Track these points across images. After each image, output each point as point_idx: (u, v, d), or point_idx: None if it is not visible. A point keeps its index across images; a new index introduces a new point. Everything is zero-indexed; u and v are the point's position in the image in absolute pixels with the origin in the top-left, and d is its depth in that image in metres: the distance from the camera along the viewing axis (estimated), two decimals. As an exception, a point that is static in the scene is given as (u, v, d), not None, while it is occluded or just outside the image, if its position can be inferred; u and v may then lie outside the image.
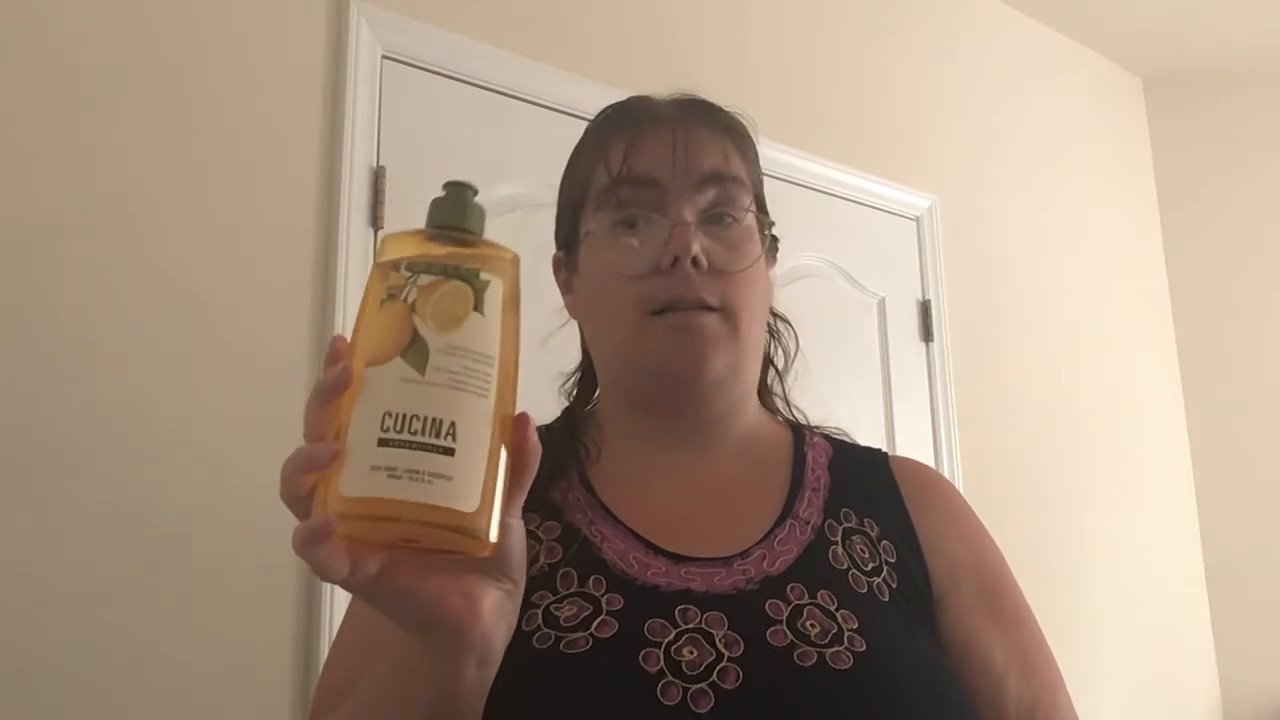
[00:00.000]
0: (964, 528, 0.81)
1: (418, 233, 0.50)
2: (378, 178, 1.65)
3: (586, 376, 0.88)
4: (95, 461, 1.34)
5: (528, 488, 0.50)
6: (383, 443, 0.45)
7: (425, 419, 0.45)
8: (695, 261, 0.73)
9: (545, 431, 0.83)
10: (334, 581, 0.46)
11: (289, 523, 0.46)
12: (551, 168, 0.86)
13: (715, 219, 0.77)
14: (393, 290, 0.48)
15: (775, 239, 0.83)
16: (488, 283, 0.49)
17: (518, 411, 0.49)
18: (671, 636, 0.66)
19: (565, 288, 0.85)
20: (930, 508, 0.81)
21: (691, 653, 0.64)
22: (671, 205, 0.75)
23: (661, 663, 0.64)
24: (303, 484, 0.46)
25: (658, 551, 0.72)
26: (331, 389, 0.46)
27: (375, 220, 1.63)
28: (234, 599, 1.39)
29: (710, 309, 0.74)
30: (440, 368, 0.46)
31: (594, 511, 0.76)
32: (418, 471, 0.45)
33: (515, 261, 0.51)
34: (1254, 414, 3.09)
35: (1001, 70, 2.89)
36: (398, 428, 0.45)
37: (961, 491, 0.87)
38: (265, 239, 1.53)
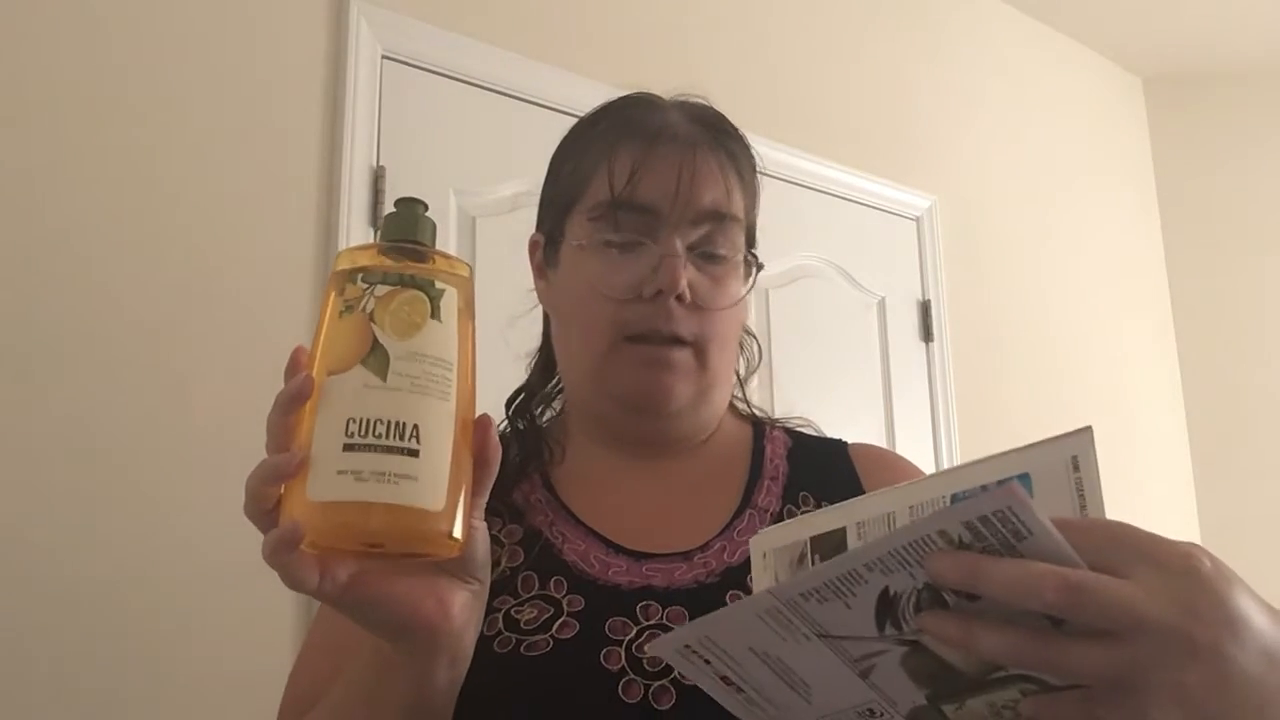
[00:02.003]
0: None
1: (372, 246, 0.51)
2: (378, 178, 1.65)
3: (547, 363, 0.87)
4: (95, 464, 1.35)
5: (489, 488, 0.51)
6: (348, 447, 0.46)
7: (389, 422, 0.46)
8: (679, 295, 0.73)
9: (510, 432, 0.83)
10: (305, 591, 0.47)
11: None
12: (552, 168, 0.86)
13: (706, 255, 0.76)
14: (350, 301, 0.49)
15: (760, 266, 0.83)
16: (443, 291, 0.50)
17: (478, 414, 0.50)
18: (633, 634, 0.66)
19: (539, 273, 0.84)
20: (888, 484, 0.80)
21: None
22: (665, 234, 0.74)
23: (623, 660, 0.65)
24: (270, 495, 0.47)
25: (618, 550, 0.73)
26: (293, 399, 0.47)
27: (375, 220, 1.63)
28: (233, 602, 1.39)
29: (683, 343, 0.74)
30: (401, 373, 0.47)
31: (555, 512, 0.76)
32: (384, 473, 0.46)
33: (469, 273, 0.52)
34: (1254, 413, 3.08)
35: (1002, 70, 2.89)
36: (362, 432, 0.46)
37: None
38: (266, 238, 1.53)
